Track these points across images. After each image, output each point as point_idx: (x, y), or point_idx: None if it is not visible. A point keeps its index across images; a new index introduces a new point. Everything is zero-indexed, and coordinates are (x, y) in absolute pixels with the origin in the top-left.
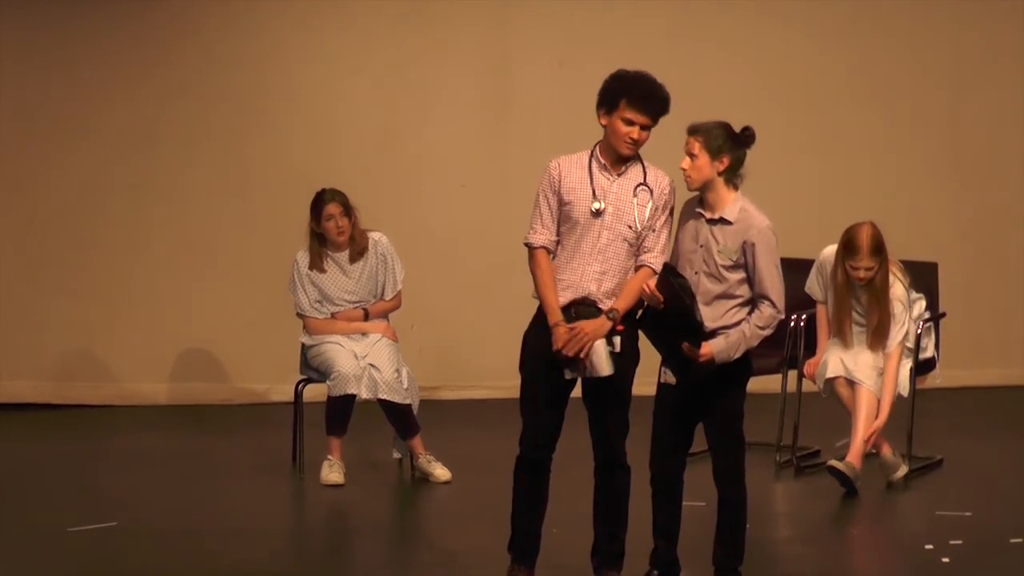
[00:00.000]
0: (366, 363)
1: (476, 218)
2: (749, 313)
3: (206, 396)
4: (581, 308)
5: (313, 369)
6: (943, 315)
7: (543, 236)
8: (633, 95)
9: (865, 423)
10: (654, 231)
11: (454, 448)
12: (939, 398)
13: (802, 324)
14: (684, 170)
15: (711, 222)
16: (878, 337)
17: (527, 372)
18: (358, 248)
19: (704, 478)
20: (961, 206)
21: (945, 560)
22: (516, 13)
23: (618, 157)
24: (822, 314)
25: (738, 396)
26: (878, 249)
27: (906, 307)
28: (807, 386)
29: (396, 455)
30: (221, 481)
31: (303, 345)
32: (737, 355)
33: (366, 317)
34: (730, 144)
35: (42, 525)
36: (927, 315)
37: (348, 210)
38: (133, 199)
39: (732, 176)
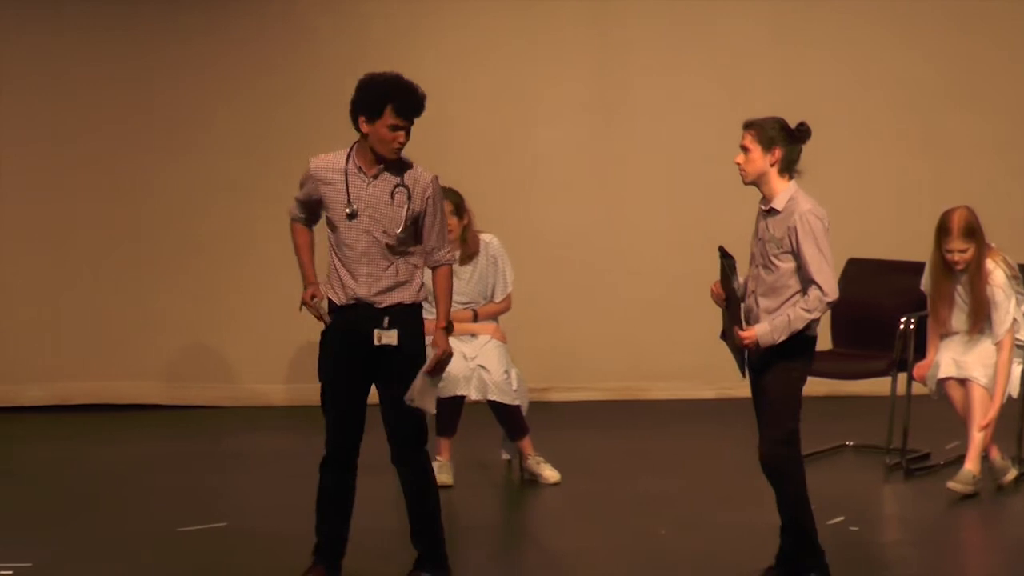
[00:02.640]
0: (475, 364)
1: (585, 220)
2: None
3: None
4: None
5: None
6: None
7: (295, 210)
8: (398, 101)
9: (979, 421)
10: (433, 228)
11: (563, 449)
12: None
13: (912, 326)
14: (738, 164)
15: (766, 213)
16: (975, 320)
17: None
18: (469, 251)
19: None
20: None
21: None
22: (625, 16)
23: (375, 160)
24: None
25: (790, 383)
26: (970, 232)
27: (1008, 295)
28: (917, 388)
29: (505, 456)
30: None
31: None
32: (782, 338)
33: (475, 318)
34: (783, 137)
35: (152, 525)
36: None
37: (460, 210)
38: (242, 199)
39: (785, 169)
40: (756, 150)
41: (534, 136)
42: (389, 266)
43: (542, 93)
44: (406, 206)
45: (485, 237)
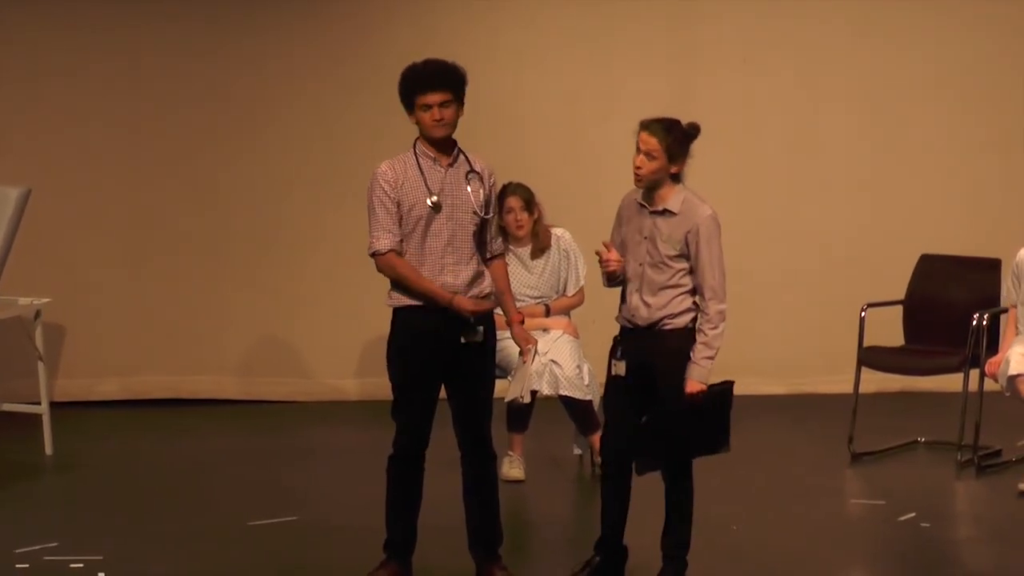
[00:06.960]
0: (547, 359)
1: None
2: (694, 301)
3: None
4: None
5: (495, 365)
6: None
7: (389, 240)
8: (417, 81)
9: None
10: (493, 217)
11: None
12: None
13: (984, 322)
14: (638, 167)
15: (654, 213)
16: None
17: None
18: (540, 245)
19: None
20: None
21: None
22: (701, 11)
23: (442, 147)
24: (1012, 316)
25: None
26: None
27: None
28: (989, 385)
29: (577, 451)
30: None
31: None
32: (711, 362)
33: (547, 313)
34: (685, 148)
35: (223, 519)
36: None
37: (530, 205)
38: (316, 194)
39: (679, 173)
40: (662, 159)
41: (607, 132)
42: (472, 256)
43: (616, 90)
44: (482, 191)
45: (557, 231)
